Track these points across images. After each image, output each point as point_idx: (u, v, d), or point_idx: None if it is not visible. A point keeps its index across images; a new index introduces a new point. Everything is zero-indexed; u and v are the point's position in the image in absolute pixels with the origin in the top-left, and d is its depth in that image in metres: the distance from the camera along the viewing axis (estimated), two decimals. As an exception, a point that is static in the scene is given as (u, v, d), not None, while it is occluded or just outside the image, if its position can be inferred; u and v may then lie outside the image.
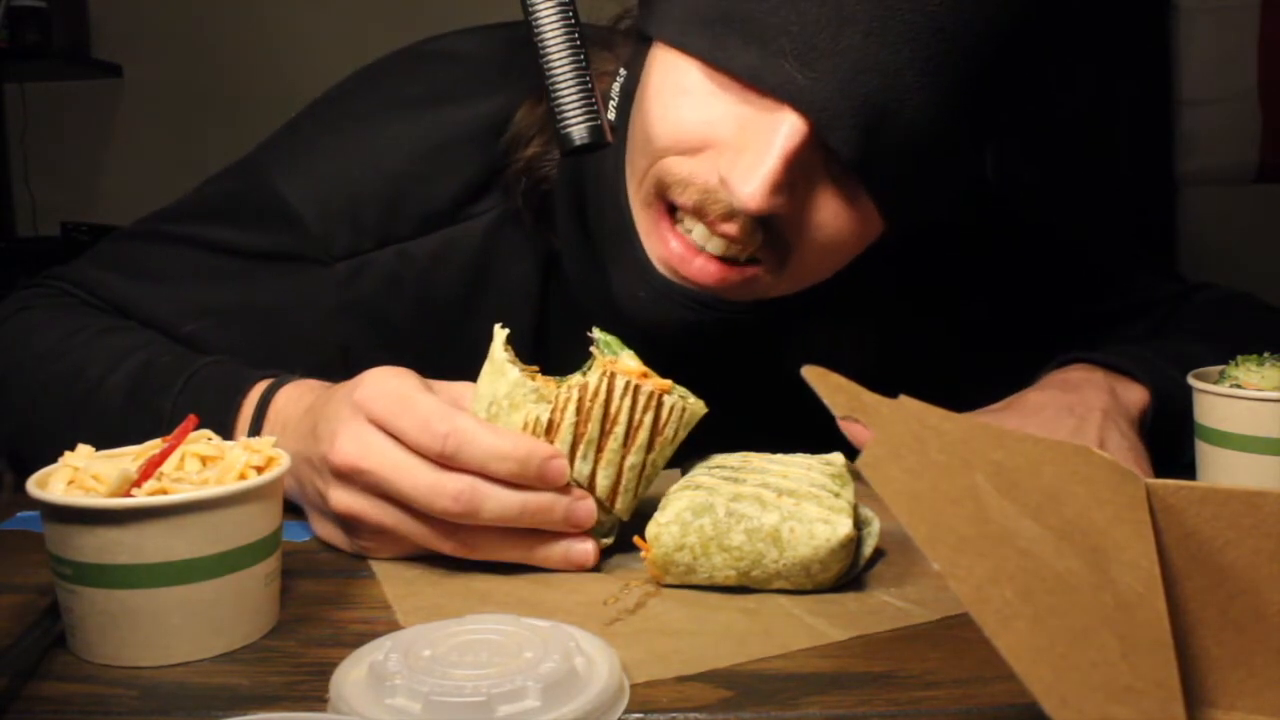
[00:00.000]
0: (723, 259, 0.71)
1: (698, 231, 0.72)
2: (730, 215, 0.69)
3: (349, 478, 0.61)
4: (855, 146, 0.67)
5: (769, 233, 0.70)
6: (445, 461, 0.59)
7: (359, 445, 0.61)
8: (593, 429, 0.61)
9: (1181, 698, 0.37)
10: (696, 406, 0.63)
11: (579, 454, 0.61)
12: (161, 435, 0.58)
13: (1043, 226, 0.98)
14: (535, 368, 0.64)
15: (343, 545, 0.66)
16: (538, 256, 0.86)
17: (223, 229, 0.86)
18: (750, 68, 0.67)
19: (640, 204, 0.74)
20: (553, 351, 0.65)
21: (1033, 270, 0.95)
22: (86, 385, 0.78)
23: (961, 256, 0.92)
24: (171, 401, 0.74)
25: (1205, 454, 0.69)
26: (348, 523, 0.64)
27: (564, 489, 0.61)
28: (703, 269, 0.71)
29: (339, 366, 0.84)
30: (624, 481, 0.62)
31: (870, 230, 0.73)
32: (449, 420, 0.59)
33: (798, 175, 0.68)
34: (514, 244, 0.85)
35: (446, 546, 0.62)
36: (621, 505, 0.63)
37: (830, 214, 0.71)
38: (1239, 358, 0.69)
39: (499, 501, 0.59)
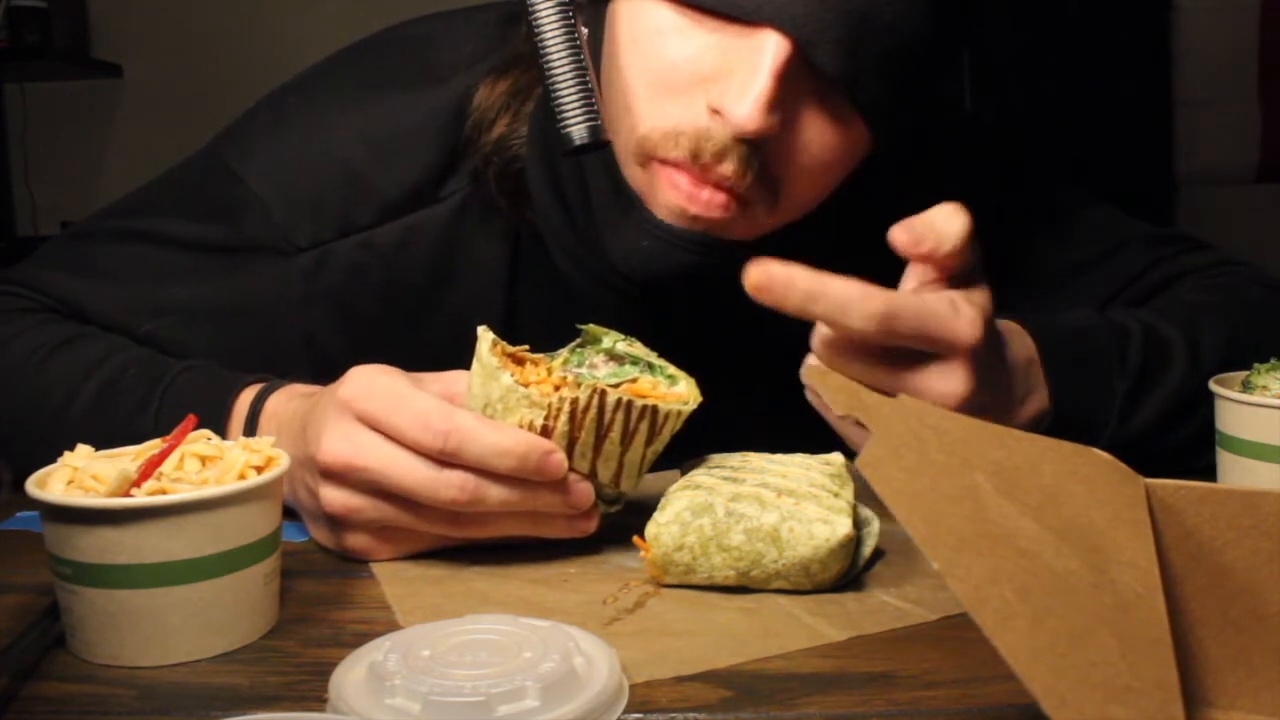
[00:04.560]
0: (725, 188, 0.71)
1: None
2: (724, 153, 0.69)
3: (340, 476, 0.61)
4: (839, 60, 0.67)
5: (760, 165, 0.70)
6: (446, 459, 0.59)
7: (349, 444, 0.60)
8: (586, 436, 0.61)
9: (1180, 698, 0.37)
10: (691, 405, 0.62)
11: (576, 453, 0.61)
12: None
13: (1025, 166, 0.96)
14: (526, 346, 0.64)
15: (336, 547, 0.66)
16: (506, 238, 0.85)
17: (181, 223, 0.85)
18: None
19: (633, 166, 0.74)
20: (524, 332, 0.66)
21: (1016, 217, 0.92)
22: (51, 412, 0.76)
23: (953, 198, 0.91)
24: (153, 418, 0.74)
25: (1225, 462, 0.68)
26: (340, 522, 0.63)
27: (562, 481, 0.61)
28: (711, 199, 0.71)
29: (303, 357, 0.83)
30: (625, 470, 0.63)
31: (858, 148, 0.73)
32: (448, 418, 0.59)
33: (786, 95, 0.68)
34: (480, 227, 0.85)
35: (449, 531, 0.62)
36: (626, 487, 0.64)
37: (817, 133, 0.71)
38: (1258, 366, 0.68)
39: (501, 489, 0.60)
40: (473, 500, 0.59)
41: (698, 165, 0.70)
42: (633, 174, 0.74)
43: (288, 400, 0.70)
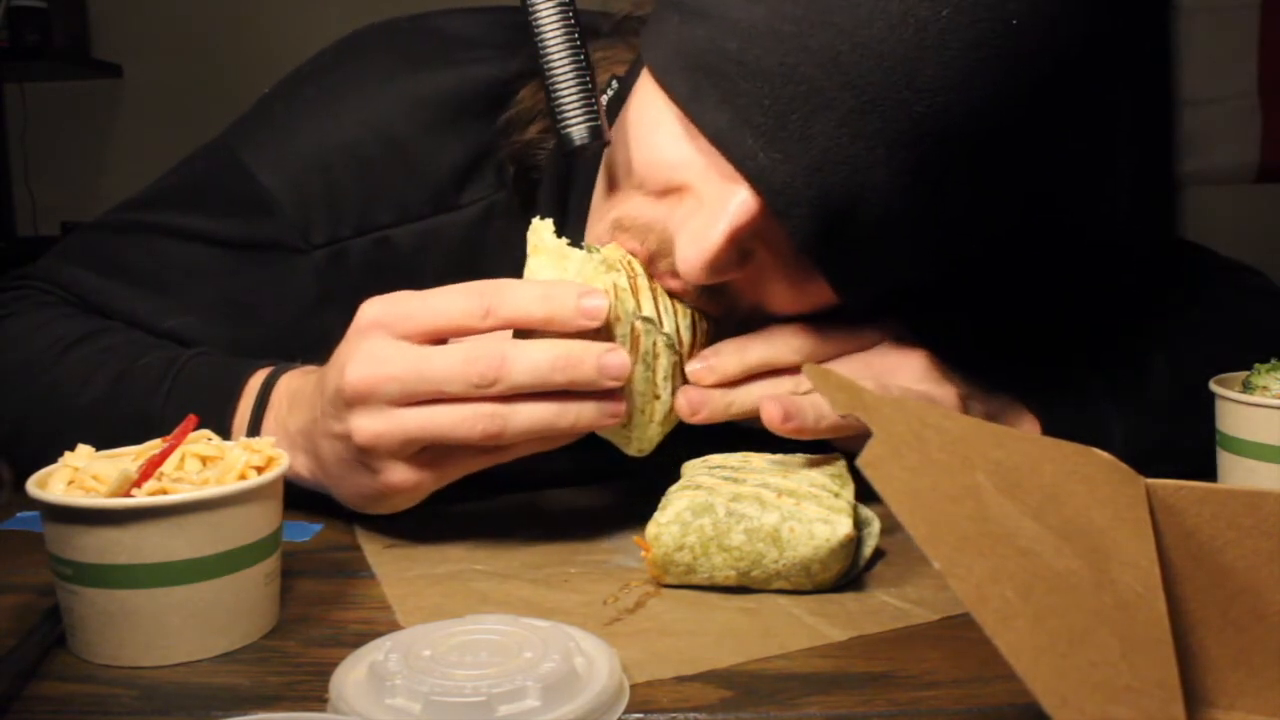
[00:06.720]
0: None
1: None
2: (676, 272, 0.66)
3: (368, 396, 0.60)
4: (809, 235, 0.62)
5: (715, 291, 0.67)
6: (488, 319, 0.60)
7: (373, 361, 0.60)
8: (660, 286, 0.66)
9: (1181, 697, 0.37)
10: None
11: (661, 307, 0.65)
12: (153, 439, 0.58)
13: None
14: (565, 240, 0.65)
15: (377, 498, 0.65)
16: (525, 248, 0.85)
17: (197, 217, 0.83)
18: (717, 131, 0.62)
19: (595, 235, 0.71)
20: None
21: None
22: (61, 404, 0.76)
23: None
24: (163, 399, 0.74)
25: (1226, 462, 0.68)
26: (376, 456, 0.62)
27: (594, 335, 0.61)
28: (671, 286, 0.68)
29: (316, 359, 0.83)
30: (698, 331, 0.68)
31: (823, 302, 0.69)
32: (487, 283, 0.61)
33: (754, 243, 0.65)
34: (502, 236, 0.82)
35: (479, 427, 0.60)
36: (692, 364, 0.67)
37: (783, 287, 0.67)
38: (1258, 365, 0.68)
39: (529, 357, 0.59)
40: (500, 372, 0.59)
41: (653, 267, 0.67)
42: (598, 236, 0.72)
43: (301, 375, 0.70)
